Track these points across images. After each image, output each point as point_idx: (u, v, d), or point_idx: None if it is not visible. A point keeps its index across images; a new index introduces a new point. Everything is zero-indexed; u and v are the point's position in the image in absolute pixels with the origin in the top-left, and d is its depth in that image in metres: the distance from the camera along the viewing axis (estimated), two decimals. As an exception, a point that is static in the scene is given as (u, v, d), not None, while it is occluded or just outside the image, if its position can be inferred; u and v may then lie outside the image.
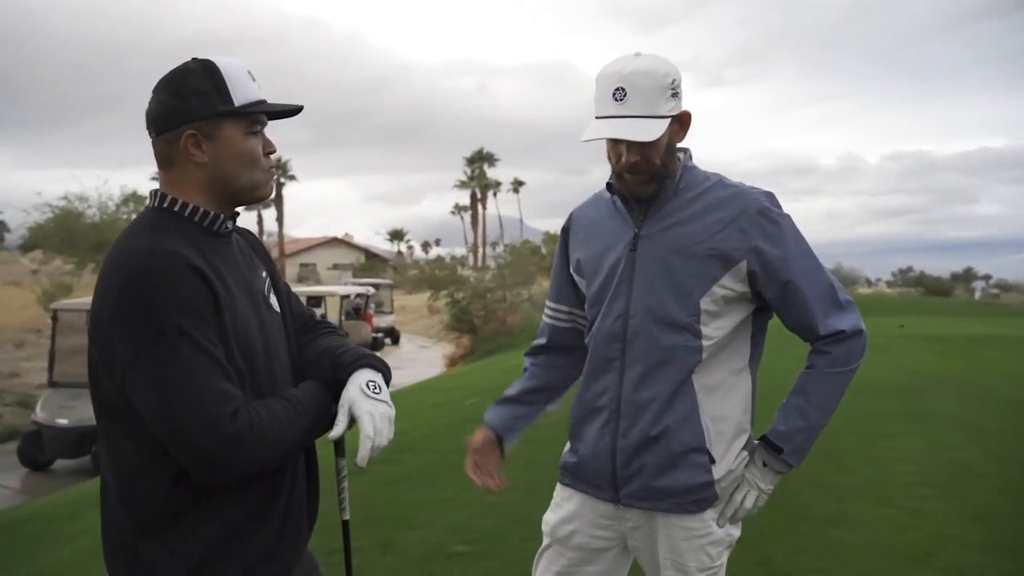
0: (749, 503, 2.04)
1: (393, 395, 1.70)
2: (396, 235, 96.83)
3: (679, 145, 2.11)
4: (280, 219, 66.76)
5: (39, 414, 11.41)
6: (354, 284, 28.19)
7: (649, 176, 2.03)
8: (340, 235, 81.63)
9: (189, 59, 1.62)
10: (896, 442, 7.13)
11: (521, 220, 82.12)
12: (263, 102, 1.65)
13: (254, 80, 1.64)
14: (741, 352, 2.10)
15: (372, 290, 24.86)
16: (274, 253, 58.64)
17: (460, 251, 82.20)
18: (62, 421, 10.99)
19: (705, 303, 2.00)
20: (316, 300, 21.76)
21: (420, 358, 26.31)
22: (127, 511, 1.53)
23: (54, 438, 11.03)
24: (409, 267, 65.27)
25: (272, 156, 1.70)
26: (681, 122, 2.04)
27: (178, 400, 1.42)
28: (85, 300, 13.06)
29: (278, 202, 65.80)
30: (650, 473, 2.04)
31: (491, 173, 75.30)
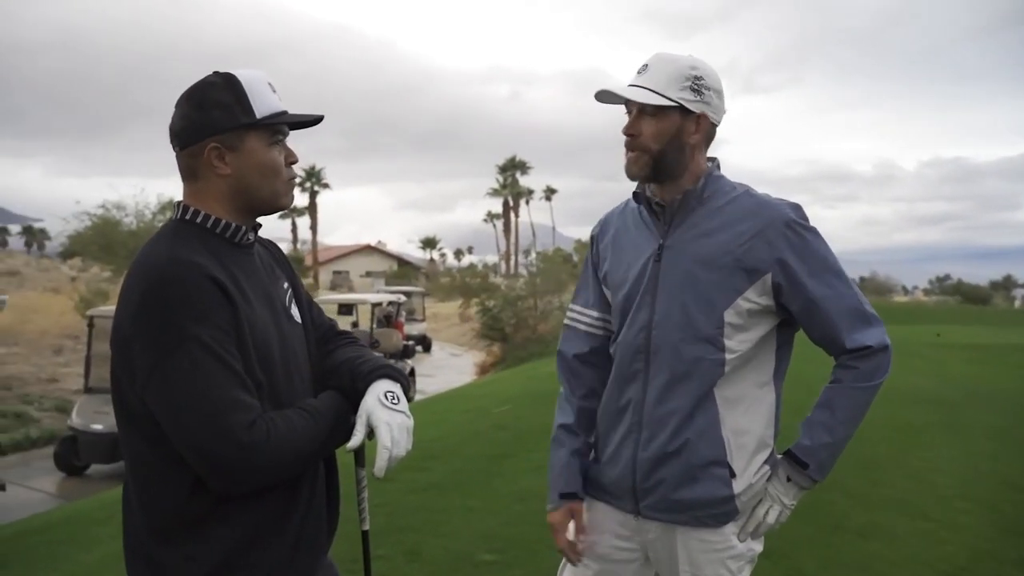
0: (772, 518, 2.03)
1: (423, 402, 1.70)
2: (428, 243, 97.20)
3: (708, 154, 2.10)
4: (314, 227, 67.50)
5: (75, 419, 11.55)
6: (386, 292, 28.30)
7: (644, 158, 2.02)
8: (373, 242, 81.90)
9: (210, 72, 1.64)
10: (932, 453, 7.02)
11: (553, 228, 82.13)
12: (284, 113, 1.66)
13: (274, 91, 1.66)
14: (765, 366, 2.07)
15: (404, 298, 24.92)
16: (308, 261, 59.37)
17: (492, 259, 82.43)
18: (97, 427, 11.12)
19: (729, 316, 1.98)
20: (348, 308, 21.84)
21: (451, 365, 26.40)
22: (146, 517, 1.55)
23: (89, 443, 11.15)
24: (441, 275, 65.45)
25: (295, 166, 1.72)
26: (698, 123, 2.02)
27: (194, 409, 1.43)
28: (121, 307, 13.23)
29: (312, 210, 66.54)
30: (670, 486, 2.02)
31: (523, 181, 75.61)
